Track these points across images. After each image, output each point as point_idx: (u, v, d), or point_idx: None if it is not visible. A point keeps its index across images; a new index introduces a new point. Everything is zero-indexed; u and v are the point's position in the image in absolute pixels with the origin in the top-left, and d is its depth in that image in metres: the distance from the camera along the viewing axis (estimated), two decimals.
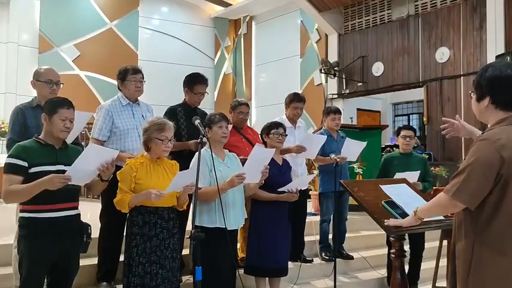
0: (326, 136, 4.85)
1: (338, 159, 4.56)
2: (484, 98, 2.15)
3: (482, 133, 2.21)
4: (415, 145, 6.66)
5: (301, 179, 4.17)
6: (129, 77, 3.80)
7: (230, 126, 4.25)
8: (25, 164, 2.70)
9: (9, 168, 2.70)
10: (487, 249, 2.04)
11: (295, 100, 4.85)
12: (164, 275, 3.07)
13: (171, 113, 4.06)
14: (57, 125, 2.77)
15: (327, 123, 5.13)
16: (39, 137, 2.83)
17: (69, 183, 2.63)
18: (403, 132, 4.81)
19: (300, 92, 8.73)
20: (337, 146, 4.91)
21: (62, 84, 3.66)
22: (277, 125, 4.09)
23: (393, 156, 4.96)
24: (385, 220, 2.91)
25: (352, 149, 4.82)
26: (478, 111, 2.24)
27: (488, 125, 2.21)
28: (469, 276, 2.07)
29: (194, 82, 4.16)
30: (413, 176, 4.42)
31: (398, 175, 4.41)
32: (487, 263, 2.04)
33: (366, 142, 5.01)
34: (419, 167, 4.67)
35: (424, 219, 2.58)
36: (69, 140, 3.17)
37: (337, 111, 5.17)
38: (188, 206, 3.70)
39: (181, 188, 3.07)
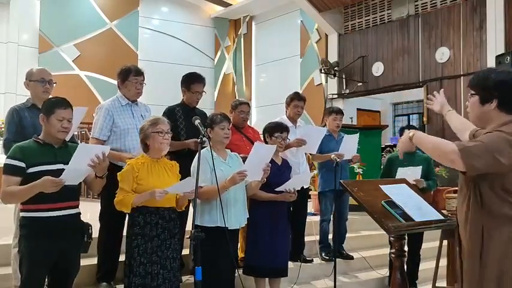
0: (326, 128, 4.85)
1: (338, 159, 4.56)
2: (490, 101, 2.18)
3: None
4: None
5: (298, 178, 4.08)
6: (130, 77, 3.79)
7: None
8: (22, 164, 2.70)
9: (7, 169, 2.71)
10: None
11: (296, 99, 4.88)
12: (165, 275, 3.07)
13: (169, 112, 4.05)
14: (54, 126, 2.77)
15: (328, 123, 5.13)
16: (39, 137, 2.82)
17: (64, 184, 2.63)
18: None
19: (300, 92, 8.74)
20: (336, 146, 4.91)
21: (55, 84, 3.67)
22: (281, 128, 4.04)
23: (397, 156, 4.95)
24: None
25: (348, 147, 4.83)
26: (478, 113, 2.25)
27: (488, 128, 2.21)
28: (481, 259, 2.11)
29: (191, 81, 4.16)
30: (415, 171, 4.43)
31: (400, 170, 4.41)
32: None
33: (358, 133, 5.10)
34: (422, 166, 4.67)
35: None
36: (67, 137, 3.17)
37: (339, 112, 5.17)
38: (188, 206, 3.70)
39: (182, 192, 3.08)
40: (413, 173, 4.43)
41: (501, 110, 2.16)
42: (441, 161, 2.16)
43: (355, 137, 4.97)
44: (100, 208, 3.75)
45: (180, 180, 3.22)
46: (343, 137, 5.13)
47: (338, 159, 4.57)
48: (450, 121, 2.70)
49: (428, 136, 2.33)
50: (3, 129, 9.72)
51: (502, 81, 2.17)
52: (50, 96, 3.01)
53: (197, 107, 4.26)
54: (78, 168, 2.67)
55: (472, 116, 2.30)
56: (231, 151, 3.72)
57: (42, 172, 2.67)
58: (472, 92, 2.27)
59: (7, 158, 2.75)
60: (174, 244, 3.16)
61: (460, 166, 2.08)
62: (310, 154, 5.01)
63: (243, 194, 3.59)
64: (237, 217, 3.50)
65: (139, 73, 3.84)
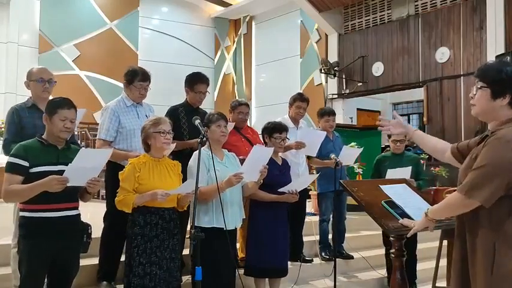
0: (325, 132, 4.88)
1: (338, 159, 4.57)
2: (503, 96, 2.07)
3: (491, 132, 2.13)
4: (414, 145, 6.65)
5: (302, 179, 4.14)
6: (136, 82, 3.77)
7: (232, 125, 4.25)
8: (26, 163, 2.70)
9: (9, 168, 2.71)
10: (508, 247, 2.02)
11: (298, 99, 4.92)
12: (162, 275, 3.07)
13: (173, 112, 4.06)
14: (57, 125, 2.77)
15: (321, 125, 5.15)
16: (42, 136, 2.83)
17: (68, 184, 2.62)
18: (393, 137, 4.79)
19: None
20: (333, 146, 4.97)
21: (55, 82, 3.67)
22: (280, 129, 4.03)
23: (385, 157, 4.98)
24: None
25: (348, 153, 4.88)
26: (486, 108, 2.12)
27: (492, 124, 2.14)
28: (492, 275, 2.03)
29: (195, 81, 4.16)
30: (405, 172, 4.41)
31: (389, 172, 4.41)
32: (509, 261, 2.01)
33: (362, 148, 5.21)
34: (411, 166, 4.66)
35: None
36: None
37: (331, 113, 5.18)
38: (187, 207, 3.69)
39: (184, 193, 3.08)
40: (402, 173, 4.41)
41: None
42: (464, 211, 2.13)
43: (357, 152, 5.07)
44: (106, 209, 3.74)
45: (182, 180, 3.22)
46: (337, 136, 5.19)
47: (338, 159, 4.57)
48: (423, 143, 2.58)
49: (439, 205, 2.29)
50: (3, 129, 9.76)
51: None
52: (55, 97, 3.00)
53: (199, 107, 4.26)
54: (81, 168, 2.65)
55: (477, 109, 2.17)
56: (229, 151, 3.72)
57: (44, 173, 2.67)
58: (483, 84, 2.11)
59: (10, 156, 2.75)
60: (172, 245, 3.15)
61: (476, 205, 2.04)
62: (309, 157, 5.03)
63: (239, 194, 3.59)
64: (233, 218, 3.49)
65: (145, 79, 3.80)
